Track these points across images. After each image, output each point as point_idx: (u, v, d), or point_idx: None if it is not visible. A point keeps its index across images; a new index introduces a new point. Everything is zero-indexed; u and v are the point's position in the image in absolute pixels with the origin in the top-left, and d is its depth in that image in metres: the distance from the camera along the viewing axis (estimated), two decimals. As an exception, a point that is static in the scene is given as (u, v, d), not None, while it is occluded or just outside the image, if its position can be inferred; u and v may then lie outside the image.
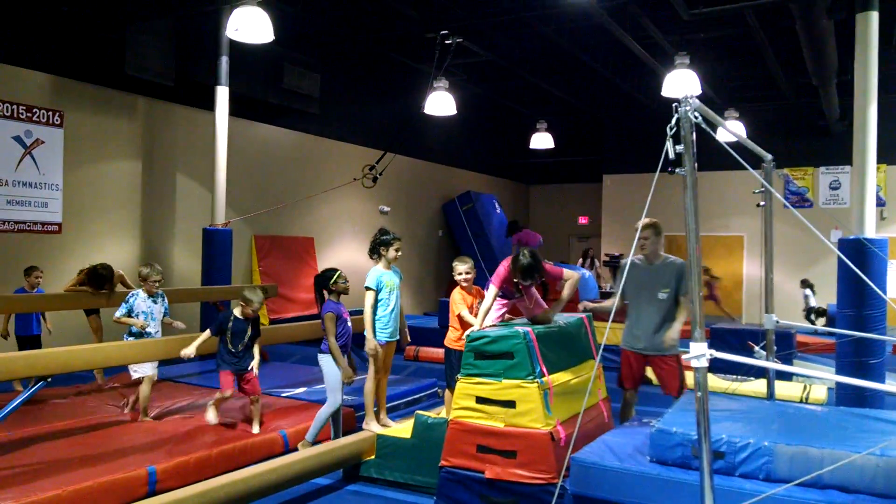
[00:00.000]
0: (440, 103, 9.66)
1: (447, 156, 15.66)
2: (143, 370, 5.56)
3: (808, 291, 12.43)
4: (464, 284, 5.31)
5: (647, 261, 5.04)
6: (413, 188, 14.58)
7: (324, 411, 5.26)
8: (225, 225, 9.28)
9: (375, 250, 5.41)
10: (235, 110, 9.62)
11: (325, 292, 5.38)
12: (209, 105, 9.25)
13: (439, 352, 5.90)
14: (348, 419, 5.71)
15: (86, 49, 8.68)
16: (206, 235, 9.22)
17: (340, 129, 12.64)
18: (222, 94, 9.18)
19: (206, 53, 9.26)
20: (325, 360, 5.24)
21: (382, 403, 5.67)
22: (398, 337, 5.48)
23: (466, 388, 4.36)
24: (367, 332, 5.22)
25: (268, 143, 11.34)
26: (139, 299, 5.65)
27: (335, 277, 5.36)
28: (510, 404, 4.22)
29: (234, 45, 8.75)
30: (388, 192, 13.43)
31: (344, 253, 12.73)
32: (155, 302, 5.71)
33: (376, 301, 5.28)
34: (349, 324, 5.41)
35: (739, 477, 3.48)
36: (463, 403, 4.37)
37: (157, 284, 5.71)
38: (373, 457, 4.88)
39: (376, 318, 5.31)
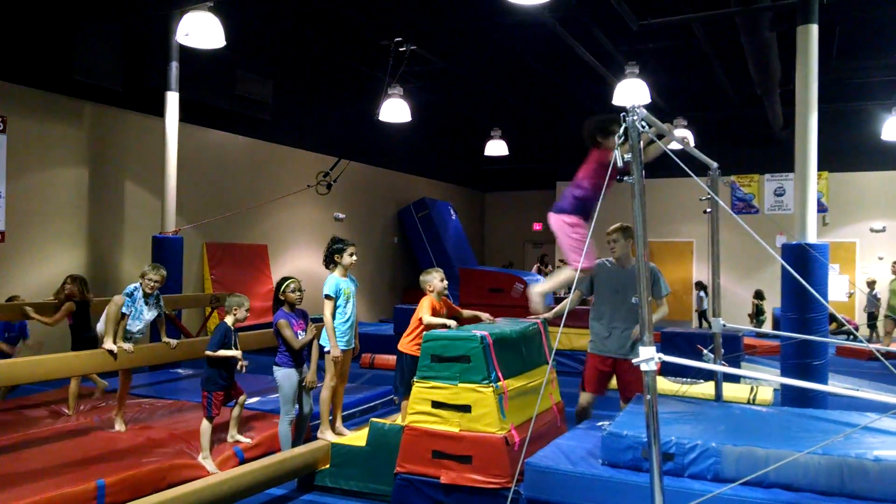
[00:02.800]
0: (395, 110, 9.67)
1: (402, 163, 15.67)
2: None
3: (702, 293, 12.90)
4: (443, 292, 5.29)
5: (620, 264, 5.06)
6: (368, 195, 14.55)
7: (282, 427, 5.20)
8: (175, 232, 9.12)
9: (330, 259, 5.37)
10: (186, 116, 9.48)
11: (281, 301, 5.34)
12: (159, 111, 9.09)
13: (395, 359, 5.88)
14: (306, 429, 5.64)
15: (31, 53, 8.45)
16: (155, 243, 9.05)
17: (294, 136, 12.55)
18: (172, 99, 9.03)
19: (155, 58, 9.10)
20: (279, 374, 5.18)
21: (338, 412, 5.63)
22: (353, 345, 5.45)
23: (422, 393, 4.37)
24: (330, 340, 5.14)
25: (220, 149, 11.20)
26: (137, 295, 5.40)
27: (284, 287, 5.29)
28: (465, 409, 4.24)
29: (184, 50, 8.63)
30: (343, 199, 13.37)
31: (298, 260, 12.62)
32: (147, 303, 5.44)
33: (334, 310, 5.22)
34: (303, 335, 5.34)
35: (688, 478, 3.55)
36: (418, 408, 4.38)
37: (152, 284, 5.40)
38: (327, 466, 4.85)
39: (336, 324, 5.23)
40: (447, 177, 17.78)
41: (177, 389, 7.18)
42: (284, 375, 5.17)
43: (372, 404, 6.78)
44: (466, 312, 5.38)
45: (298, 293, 5.36)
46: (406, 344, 5.23)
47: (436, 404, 4.31)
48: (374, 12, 9.28)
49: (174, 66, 9.01)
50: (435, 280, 5.29)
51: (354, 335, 5.41)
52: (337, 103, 13.28)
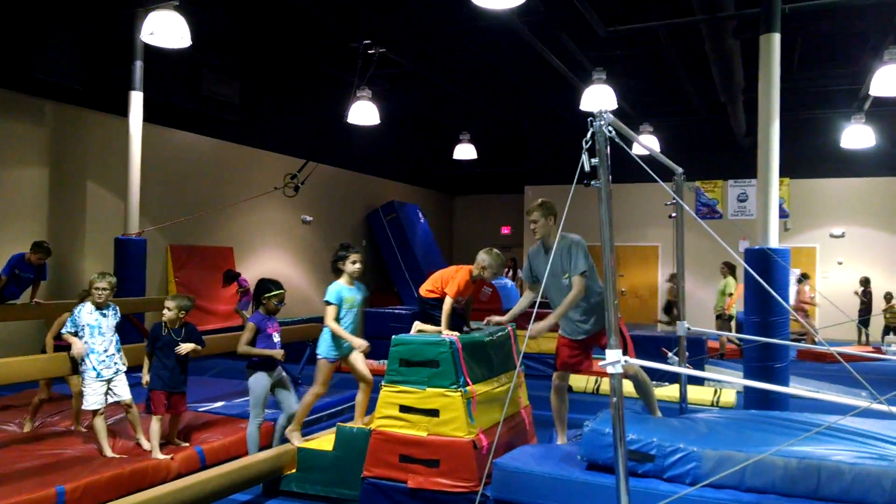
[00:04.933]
0: (364, 113, 9.64)
1: (371, 165, 15.63)
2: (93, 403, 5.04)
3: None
4: (482, 276, 4.95)
5: (544, 245, 4.86)
6: (336, 198, 14.47)
7: (250, 430, 5.17)
8: (139, 234, 8.97)
9: (335, 267, 5.26)
10: (151, 116, 9.34)
11: (260, 302, 5.32)
12: (123, 110, 8.94)
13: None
14: (266, 434, 5.58)
15: (-12, 49, 8.27)
16: (118, 245, 8.89)
17: (261, 137, 12.43)
18: (136, 99, 8.89)
19: (119, 57, 8.95)
20: (250, 377, 5.15)
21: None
22: (345, 353, 5.17)
23: (390, 397, 4.36)
24: (345, 337, 4.96)
25: (185, 150, 11.04)
26: (84, 311, 5.11)
27: (271, 294, 5.30)
28: (434, 413, 4.24)
29: (149, 49, 8.49)
30: (311, 202, 13.28)
31: (265, 263, 12.50)
32: (104, 315, 5.14)
33: (336, 316, 5.05)
34: (276, 340, 5.30)
35: (667, 480, 3.59)
36: (386, 412, 4.36)
37: (103, 294, 5.12)
38: (294, 470, 4.80)
39: (327, 333, 5.08)
40: (416, 180, 17.78)
41: (140, 393, 7.04)
42: (255, 379, 5.14)
43: (339, 408, 6.73)
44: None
45: (278, 305, 5.37)
46: (423, 291, 5.17)
47: (404, 408, 4.29)
48: (342, 14, 9.25)
49: (138, 66, 8.87)
50: (492, 268, 4.87)
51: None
52: (305, 105, 13.20)
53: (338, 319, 5.03)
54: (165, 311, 5.17)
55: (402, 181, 17.16)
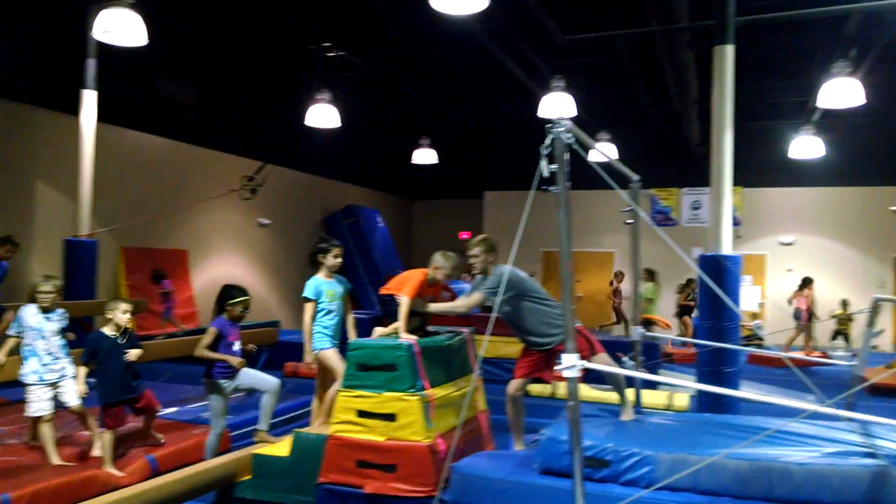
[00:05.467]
0: (323, 115, 9.58)
1: (330, 169, 15.52)
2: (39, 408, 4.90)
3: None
4: (437, 280, 4.93)
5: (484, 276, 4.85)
6: (294, 201, 14.33)
7: (210, 438, 5.11)
8: (89, 236, 8.75)
9: (313, 260, 5.18)
10: (104, 116, 9.12)
11: (223, 308, 5.22)
12: (75, 109, 8.72)
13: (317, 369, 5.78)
14: (226, 441, 5.49)
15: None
16: (67, 247, 8.65)
17: (218, 139, 12.24)
18: (89, 97, 8.68)
19: (72, 55, 8.73)
20: (207, 385, 5.07)
21: (325, 410, 5.42)
22: (336, 344, 5.11)
23: (347, 402, 4.33)
24: (305, 345, 4.94)
25: (139, 150, 10.81)
26: (28, 313, 4.94)
27: (235, 301, 5.20)
28: (391, 417, 4.22)
29: (103, 47, 8.30)
30: (268, 205, 13.13)
31: (220, 267, 12.31)
32: (48, 319, 4.98)
33: (315, 312, 5.00)
34: (236, 348, 5.21)
35: (623, 484, 3.62)
36: (343, 417, 4.33)
37: (47, 298, 4.97)
38: (248, 477, 4.72)
39: (321, 326, 5.01)
40: (375, 184, 17.71)
41: (90, 399, 6.87)
42: (210, 386, 5.06)
43: (295, 413, 6.66)
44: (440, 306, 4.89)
45: (243, 312, 5.27)
46: (383, 290, 5.09)
47: (361, 413, 4.27)
48: (302, 17, 9.19)
49: (91, 64, 8.67)
50: (445, 269, 4.89)
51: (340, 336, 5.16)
52: (263, 107, 13.06)
53: (319, 315, 4.98)
54: (120, 315, 4.93)
55: (361, 185, 17.08)
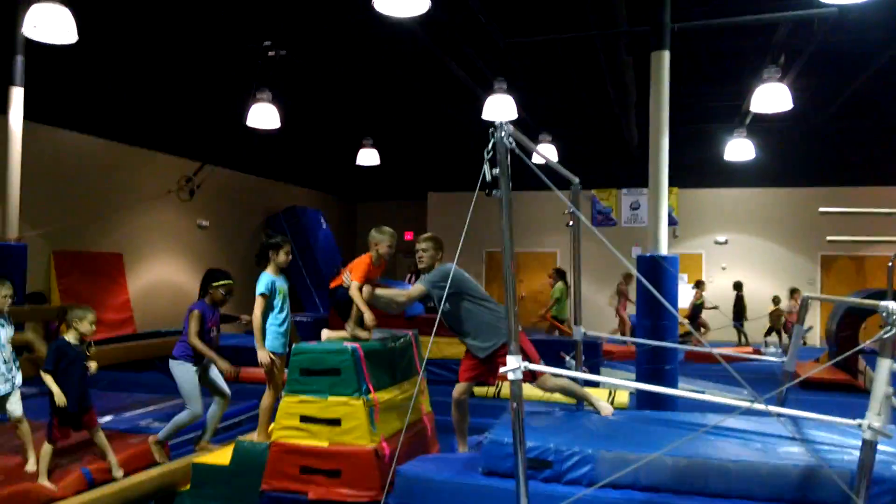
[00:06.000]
0: (263, 116, 9.42)
1: (272, 169, 15.30)
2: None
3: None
4: (385, 256, 4.98)
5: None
6: (235, 202, 14.08)
7: (182, 417, 5.07)
8: (18, 240, 8.41)
9: (264, 255, 5.06)
10: (32, 114, 8.78)
11: (206, 291, 5.25)
12: (1, 107, 8.37)
13: (261, 372, 5.70)
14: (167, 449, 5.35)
15: None
16: (-5, 251, 8.30)
17: (155, 139, 11.93)
18: (17, 95, 8.35)
19: (-2, 51, 8.39)
20: (177, 367, 5.01)
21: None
22: (287, 349, 5.03)
23: (290, 407, 4.28)
24: (258, 342, 4.79)
25: (72, 150, 10.46)
26: None
27: (219, 284, 5.26)
28: (335, 422, 4.20)
29: (32, 43, 7.99)
30: (208, 206, 12.87)
31: (158, 270, 12.00)
32: (3, 325, 4.76)
33: (267, 308, 4.91)
34: (212, 335, 5.22)
35: (565, 484, 3.66)
36: (286, 423, 4.27)
37: (6, 301, 4.74)
38: (188, 487, 4.62)
39: (270, 325, 4.89)
40: (318, 185, 17.54)
41: (38, 411, 6.61)
42: (183, 371, 5.05)
43: (237, 419, 6.54)
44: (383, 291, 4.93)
45: (225, 296, 5.33)
46: (333, 283, 5.02)
47: (304, 419, 4.23)
48: (241, 14, 9.02)
49: (19, 60, 8.34)
50: (384, 242, 4.94)
51: (291, 337, 5.11)
52: (202, 106, 12.77)
53: (272, 311, 4.90)
54: (86, 325, 4.70)
55: (304, 186, 16.89)
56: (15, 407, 4.73)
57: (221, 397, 5.40)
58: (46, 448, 4.58)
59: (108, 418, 6.15)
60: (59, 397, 4.51)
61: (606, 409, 4.52)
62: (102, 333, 10.01)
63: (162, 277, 12.01)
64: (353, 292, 4.68)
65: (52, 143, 10.05)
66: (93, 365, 4.75)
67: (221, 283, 5.29)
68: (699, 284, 13.38)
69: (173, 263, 12.47)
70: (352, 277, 4.74)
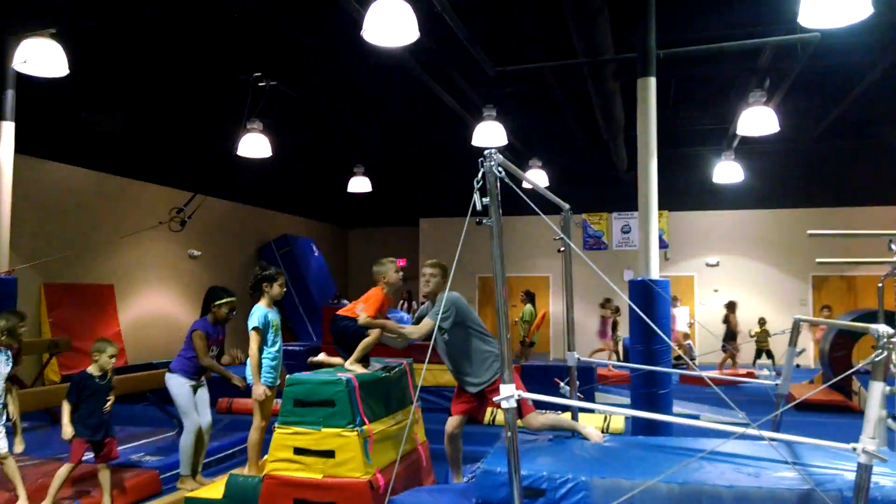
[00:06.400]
0: (254, 145, 9.46)
1: (263, 198, 15.32)
2: None
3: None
4: (396, 285, 4.98)
5: (430, 302, 4.92)
6: (226, 232, 14.07)
7: (185, 440, 5.09)
8: (8, 273, 8.36)
9: (257, 287, 5.07)
10: (23, 147, 8.78)
11: (209, 309, 5.29)
12: (-9, 141, 8.37)
13: (249, 404, 5.65)
14: (152, 482, 5.29)
15: None
16: (-15, 285, 8.25)
17: (146, 170, 11.95)
18: (7, 129, 8.35)
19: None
20: (172, 380, 5.03)
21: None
22: (278, 382, 5.05)
23: (283, 439, 4.24)
24: (254, 377, 4.82)
25: (62, 183, 10.45)
26: None
27: (222, 301, 5.29)
28: (329, 454, 4.16)
29: (23, 76, 8.02)
30: (200, 236, 12.85)
31: (150, 301, 11.95)
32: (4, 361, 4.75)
33: (265, 339, 4.92)
34: (212, 353, 5.27)
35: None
36: (279, 455, 4.24)
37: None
38: (181, 521, 4.57)
39: (262, 358, 4.91)
40: (310, 213, 17.56)
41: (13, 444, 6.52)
42: (178, 385, 5.09)
43: (229, 452, 6.48)
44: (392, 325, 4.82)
45: (229, 314, 5.37)
46: (341, 312, 4.92)
47: (298, 450, 4.19)
48: (232, 46, 9.10)
49: (10, 95, 8.36)
50: (391, 271, 4.93)
51: (280, 371, 5.10)
52: (193, 137, 12.82)
53: (265, 344, 4.92)
54: (105, 359, 4.81)
55: (296, 214, 16.91)
56: (1, 444, 4.67)
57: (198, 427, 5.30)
58: (62, 469, 4.66)
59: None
60: (66, 430, 4.62)
61: (596, 436, 4.45)
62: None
63: (153, 308, 11.95)
64: (365, 322, 4.62)
65: (42, 176, 10.05)
66: (110, 401, 4.84)
67: (225, 300, 5.31)
68: (731, 306, 13.09)
69: (165, 294, 12.42)
70: (364, 310, 4.68)
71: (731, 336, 12.92)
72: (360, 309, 4.69)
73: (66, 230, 10.32)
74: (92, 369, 4.81)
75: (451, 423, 4.83)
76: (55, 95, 9.37)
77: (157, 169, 12.16)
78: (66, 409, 4.70)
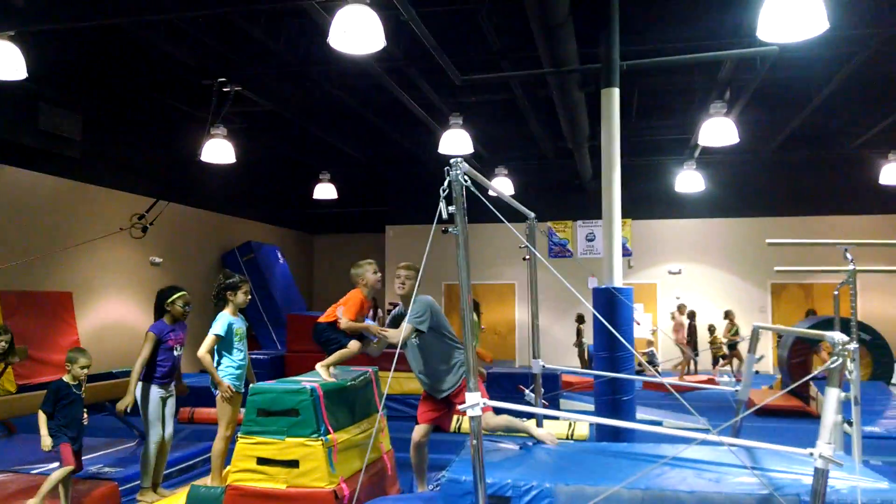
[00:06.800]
0: (218, 151, 9.37)
1: (227, 205, 15.14)
2: None
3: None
4: (375, 286, 4.87)
5: (404, 304, 4.87)
6: (189, 238, 13.87)
7: (147, 451, 5.02)
8: (-38, 280, 8.15)
9: (221, 296, 5.02)
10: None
11: (163, 311, 5.19)
12: (-55, 145, 8.16)
13: (213, 414, 5.58)
14: (112, 494, 5.18)
15: None
16: (-64, 293, 8.02)
17: (106, 175, 11.72)
18: (-38, 132, 8.16)
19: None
20: (139, 389, 4.92)
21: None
22: (242, 390, 5.00)
23: (246, 449, 4.19)
24: (212, 376, 4.79)
25: (18, 188, 10.20)
26: None
27: (175, 297, 5.18)
28: (293, 464, 4.12)
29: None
30: (161, 243, 12.65)
31: (109, 308, 11.71)
32: None
33: (221, 348, 4.88)
34: (175, 353, 5.12)
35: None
36: (242, 466, 4.18)
37: None
38: (140, 534, 4.48)
39: (226, 366, 4.88)
40: (274, 219, 17.40)
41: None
42: (145, 393, 4.99)
43: (191, 462, 6.37)
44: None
45: (185, 308, 5.23)
46: (321, 319, 4.84)
47: (261, 461, 4.15)
48: (196, 51, 8.99)
49: (-35, 97, 8.17)
50: (368, 273, 4.83)
51: (248, 378, 5.04)
52: (155, 142, 12.63)
53: (229, 352, 4.87)
54: (77, 369, 4.74)
55: (260, 220, 16.74)
56: None
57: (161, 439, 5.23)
58: (56, 473, 4.56)
59: (55, 465, 5.93)
60: (45, 442, 4.54)
61: (549, 438, 4.42)
62: (50, 374, 9.69)
63: (114, 316, 11.71)
64: (347, 326, 4.60)
65: (0, 181, 9.82)
66: (85, 416, 4.79)
67: (177, 296, 5.21)
68: (728, 316, 13.02)
69: (125, 302, 12.19)
70: (345, 313, 4.64)
71: (693, 343, 13.13)
72: (341, 312, 4.65)
73: (22, 237, 10.08)
74: (67, 378, 4.76)
75: (419, 431, 4.81)
76: (12, 99, 9.17)
77: (118, 174, 11.94)
78: (42, 419, 4.60)
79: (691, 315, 13.59)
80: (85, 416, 4.78)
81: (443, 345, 4.68)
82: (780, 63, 8.98)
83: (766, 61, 8.70)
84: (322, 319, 4.80)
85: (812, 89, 10.45)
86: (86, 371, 4.78)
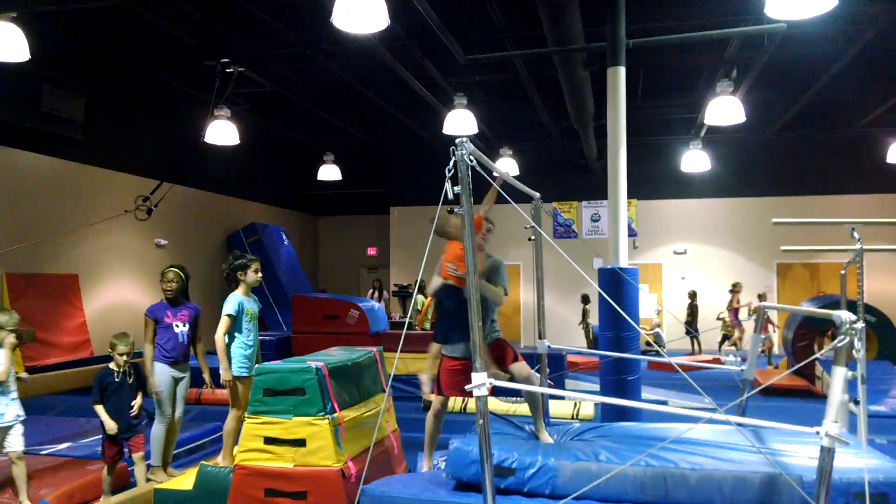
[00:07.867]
0: (222, 132, 9.36)
1: (231, 186, 15.13)
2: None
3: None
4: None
5: (481, 260, 4.83)
6: (194, 220, 13.88)
7: (155, 430, 5.13)
8: (-31, 263, 8.18)
9: (232, 276, 4.99)
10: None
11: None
12: (-51, 127, 8.16)
13: (222, 394, 5.61)
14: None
15: None
16: (-56, 275, 8.06)
17: (110, 157, 11.70)
18: (-34, 115, 8.15)
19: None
20: (155, 370, 5.02)
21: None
22: (254, 371, 5.01)
23: (254, 429, 4.22)
24: (221, 363, 4.78)
25: (23, 171, 10.20)
26: None
27: (166, 271, 5.31)
28: (300, 443, 4.14)
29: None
30: (166, 225, 12.66)
31: (114, 290, 11.75)
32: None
33: (231, 328, 4.85)
34: (177, 330, 5.17)
35: (528, 493, 3.69)
36: (249, 445, 4.21)
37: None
38: (150, 513, 4.52)
39: (236, 347, 4.86)
40: (279, 201, 17.40)
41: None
42: (159, 374, 5.06)
43: (200, 442, 6.42)
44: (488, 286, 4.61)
45: (170, 284, 5.27)
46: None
47: (268, 440, 4.17)
48: (198, 32, 8.95)
49: (-32, 79, 8.15)
50: (458, 223, 4.24)
51: (257, 359, 5.03)
52: (159, 123, 12.61)
53: (239, 332, 4.87)
54: (116, 356, 4.86)
55: (265, 202, 16.73)
56: (15, 442, 4.68)
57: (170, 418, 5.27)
58: (104, 472, 4.80)
59: (63, 446, 5.99)
60: (109, 425, 4.71)
61: (545, 439, 4.36)
62: (57, 357, 9.77)
63: (119, 298, 11.76)
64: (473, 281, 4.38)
65: (3, 164, 9.81)
66: (136, 404, 4.89)
67: (163, 270, 5.32)
68: (734, 288, 12.81)
69: (131, 284, 12.23)
70: (459, 268, 4.37)
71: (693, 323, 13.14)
72: (453, 268, 4.42)
73: (28, 219, 10.09)
74: (113, 365, 4.89)
75: (439, 400, 4.70)
76: (15, 81, 9.14)
77: (122, 156, 11.92)
78: (98, 409, 4.78)
79: (692, 295, 13.57)
80: (135, 402, 4.86)
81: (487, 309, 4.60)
82: (787, 41, 8.89)
83: (773, 39, 8.61)
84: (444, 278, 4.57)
85: (819, 68, 10.35)
86: (125, 358, 4.85)
